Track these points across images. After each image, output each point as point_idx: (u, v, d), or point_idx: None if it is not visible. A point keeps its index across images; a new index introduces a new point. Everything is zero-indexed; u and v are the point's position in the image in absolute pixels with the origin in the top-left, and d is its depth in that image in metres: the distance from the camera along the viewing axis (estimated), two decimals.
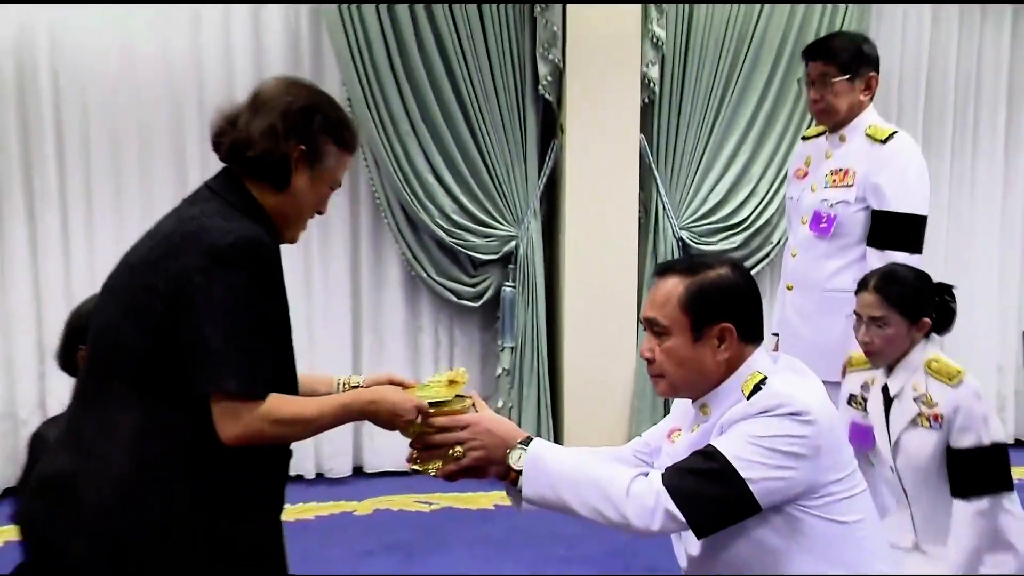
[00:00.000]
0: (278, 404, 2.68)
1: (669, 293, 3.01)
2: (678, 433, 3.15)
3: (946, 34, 7.36)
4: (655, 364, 3.05)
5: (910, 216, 4.54)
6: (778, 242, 6.85)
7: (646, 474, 2.81)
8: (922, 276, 4.11)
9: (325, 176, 2.92)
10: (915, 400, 3.97)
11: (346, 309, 6.83)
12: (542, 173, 6.70)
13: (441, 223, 6.59)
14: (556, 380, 6.88)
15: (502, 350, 6.82)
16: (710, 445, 2.82)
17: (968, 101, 7.44)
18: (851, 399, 4.32)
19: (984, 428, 3.87)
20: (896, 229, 4.57)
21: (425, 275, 6.72)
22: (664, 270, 3.13)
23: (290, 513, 6.13)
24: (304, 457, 6.72)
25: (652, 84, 6.61)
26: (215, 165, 5.99)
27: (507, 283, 6.76)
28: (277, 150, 2.80)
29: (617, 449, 3.47)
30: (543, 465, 2.84)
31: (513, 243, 6.70)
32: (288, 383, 2.87)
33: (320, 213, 3.00)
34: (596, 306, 6.74)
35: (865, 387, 4.21)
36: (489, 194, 6.65)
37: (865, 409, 4.21)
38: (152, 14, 6.40)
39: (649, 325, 3.03)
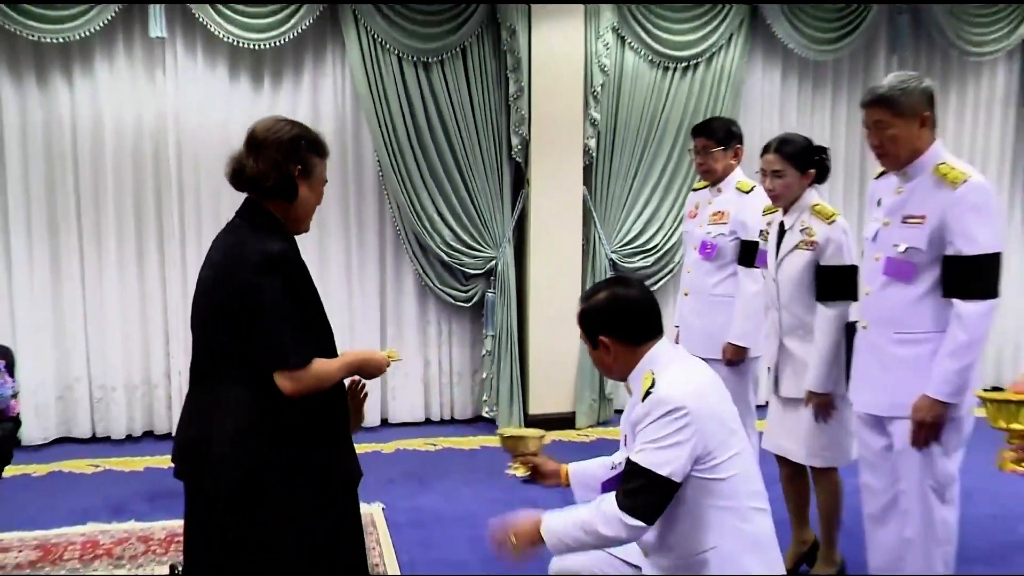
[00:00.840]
0: (316, 366, 2.80)
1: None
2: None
3: (795, 116, 7.49)
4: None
5: (753, 242, 4.67)
6: (678, 262, 7.00)
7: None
8: (807, 140, 4.34)
9: (317, 180, 3.02)
10: (800, 231, 4.20)
11: (376, 308, 7.06)
12: (514, 212, 6.94)
13: (443, 248, 6.83)
14: (524, 358, 7.08)
15: (486, 337, 7.04)
16: (632, 463, 2.89)
17: None
18: (761, 232, 4.54)
19: (847, 254, 4.13)
20: (757, 252, 4.61)
21: (432, 284, 6.95)
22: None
23: None
24: None
25: (591, 151, 6.89)
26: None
27: (489, 290, 6.97)
28: (283, 175, 2.90)
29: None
30: (554, 530, 2.98)
31: (494, 261, 6.92)
32: (328, 346, 2.99)
33: (319, 204, 3.12)
34: (551, 306, 6.92)
35: (770, 224, 4.40)
36: (477, 227, 6.88)
37: (766, 239, 4.43)
38: (241, 99, 6.58)
39: None
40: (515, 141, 6.81)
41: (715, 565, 2.97)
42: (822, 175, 4.38)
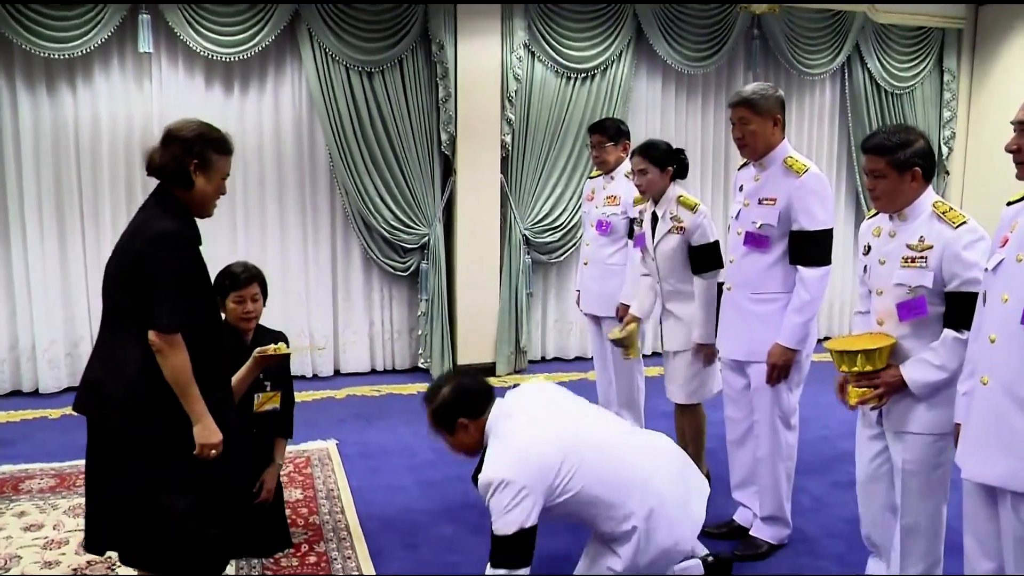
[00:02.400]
0: (176, 344, 2.77)
1: None
2: None
3: (673, 117, 7.58)
4: None
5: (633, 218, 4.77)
6: (579, 237, 6.71)
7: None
8: (667, 144, 4.38)
9: (215, 174, 2.96)
10: (671, 219, 4.29)
11: (328, 277, 6.99)
12: (443, 196, 6.88)
13: (384, 226, 6.76)
14: (452, 317, 7.06)
15: (420, 301, 6.98)
16: (492, 535, 2.98)
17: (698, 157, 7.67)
18: (634, 220, 4.64)
19: (710, 233, 4.25)
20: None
21: (375, 257, 6.90)
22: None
23: (299, 397, 6.43)
24: (305, 363, 6.95)
25: (507, 146, 6.88)
26: (246, 192, 6.46)
27: (423, 261, 6.92)
28: (180, 167, 2.89)
29: None
30: None
31: (427, 237, 6.86)
32: (210, 318, 2.99)
33: (222, 194, 3.04)
34: (475, 274, 6.99)
35: (642, 212, 4.49)
36: (412, 208, 6.81)
37: (641, 225, 4.50)
38: (215, 103, 6.49)
39: None
40: (444, 137, 6.78)
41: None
42: (682, 172, 4.41)
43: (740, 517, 4.16)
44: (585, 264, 5.21)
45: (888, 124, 7.91)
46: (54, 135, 6.28)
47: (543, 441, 3.09)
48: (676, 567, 3.45)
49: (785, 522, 4.02)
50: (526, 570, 2.99)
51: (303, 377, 6.95)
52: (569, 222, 7.20)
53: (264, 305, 4.07)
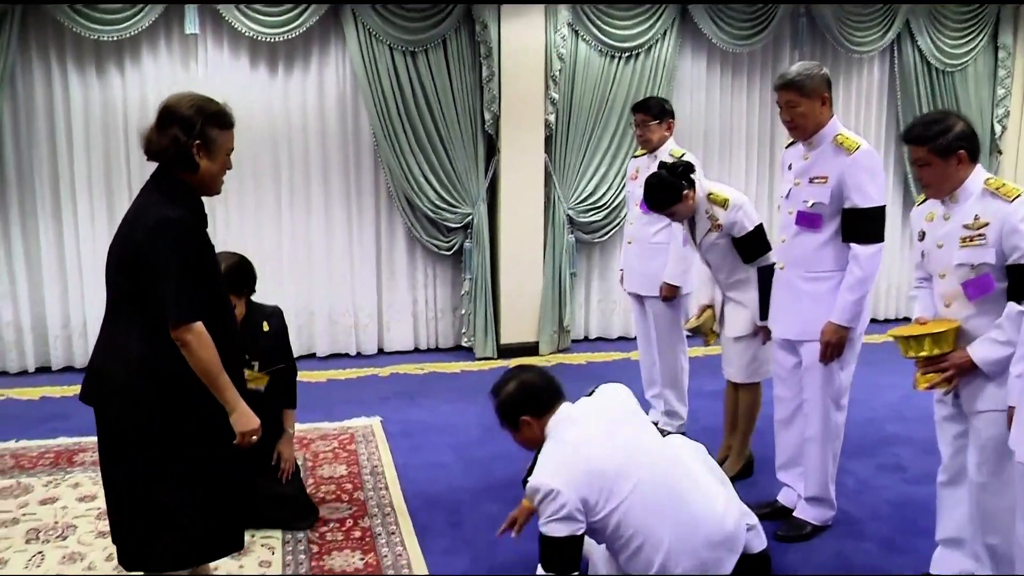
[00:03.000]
0: (196, 333, 2.64)
1: None
2: None
3: (718, 97, 7.49)
4: None
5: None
6: (623, 216, 6.64)
7: None
8: (661, 175, 4.24)
9: (219, 152, 2.80)
10: (707, 217, 4.26)
11: (373, 257, 7.03)
12: (487, 176, 6.87)
13: (428, 206, 6.77)
14: (496, 297, 7.03)
15: (464, 280, 6.99)
16: (541, 535, 2.95)
17: (728, 138, 7.67)
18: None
19: (748, 223, 4.21)
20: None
21: (419, 236, 6.92)
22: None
23: (343, 374, 6.58)
24: (350, 342, 7.02)
25: (551, 125, 6.84)
26: (291, 171, 6.41)
27: (467, 240, 6.92)
28: (182, 150, 2.72)
29: None
30: None
31: (471, 217, 6.87)
32: (216, 301, 2.82)
33: (228, 169, 2.88)
34: (519, 254, 6.97)
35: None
36: (456, 188, 6.82)
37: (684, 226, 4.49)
38: (260, 84, 6.57)
39: None
40: (487, 116, 6.77)
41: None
42: (691, 171, 4.28)
43: (784, 498, 4.13)
44: (629, 243, 5.20)
45: (930, 110, 7.76)
46: (103, 116, 6.37)
47: (596, 459, 3.01)
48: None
49: (830, 503, 3.98)
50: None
51: (347, 355, 7.03)
52: (613, 202, 7.15)
53: (251, 294, 4.02)
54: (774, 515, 4.06)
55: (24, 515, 4.13)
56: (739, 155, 7.68)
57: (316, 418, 5.47)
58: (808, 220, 3.73)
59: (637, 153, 5.25)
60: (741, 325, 4.36)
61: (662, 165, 4.34)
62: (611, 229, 7.25)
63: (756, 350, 4.37)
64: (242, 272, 3.89)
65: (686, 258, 4.83)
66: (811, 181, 3.72)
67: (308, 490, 4.33)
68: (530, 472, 3.09)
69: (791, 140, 3.95)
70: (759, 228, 4.27)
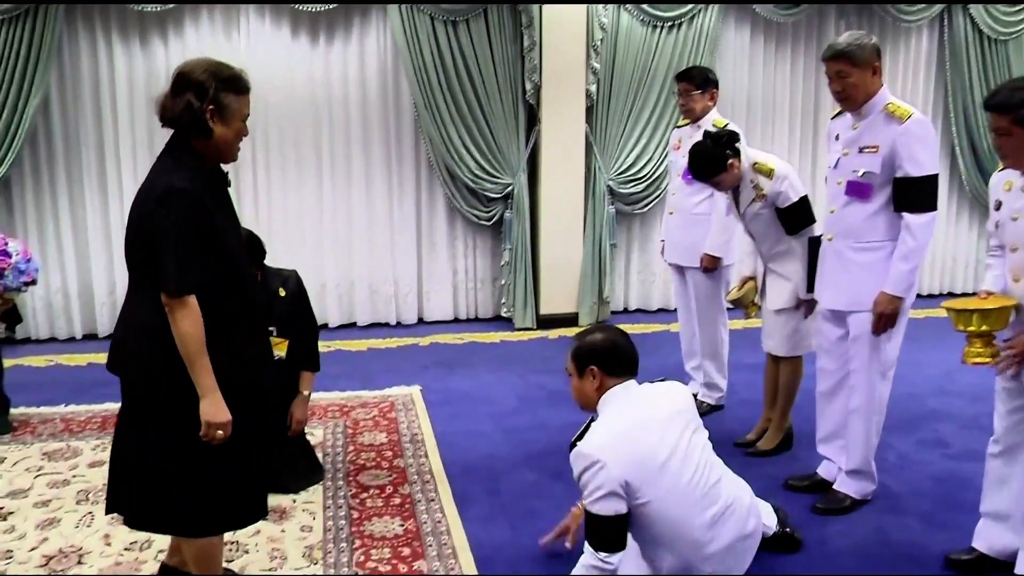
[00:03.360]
0: (188, 309, 2.60)
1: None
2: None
3: (761, 67, 7.41)
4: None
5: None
6: (664, 187, 6.77)
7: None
8: (706, 145, 4.21)
9: (234, 117, 2.74)
10: (752, 187, 4.21)
11: (413, 227, 7.06)
12: (528, 146, 6.84)
13: (468, 176, 6.78)
14: (536, 267, 7.01)
15: (504, 250, 7.00)
16: (587, 512, 2.92)
17: (771, 108, 7.57)
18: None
19: (793, 193, 4.15)
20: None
21: (459, 206, 6.94)
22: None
23: (383, 344, 6.64)
24: (389, 313, 7.07)
25: (592, 95, 6.78)
26: (331, 141, 6.36)
27: (507, 211, 6.92)
28: (195, 116, 2.68)
29: None
30: None
31: (511, 187, 6.86)
32: (229, 272, 2.75)
33: (244, 136, 2.82)
34: (559, 225, 6.94)
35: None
36: (497, 158, 6.81)
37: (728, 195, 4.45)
38: (301, 54, 6.61)
39: None
40: (528, 86, 6.74)
41: None
42: (735, 140, 4.24)
43: (824, 471, 4.10)
44: (670, 213, 5.17)
45: (981, 81, 7.64)
46: (147, 86, 6.43)
47: (645, 445, 2.96)
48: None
49: (871, 477, 3.95)
50: (620, 555, 2.93)
51: (387, 325, 7.08)
52: (654, 173, 7.10)
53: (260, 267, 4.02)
54: (813, 488, 4.05)
55: (74, 477, 4.22)
56: (782, 126, 7.59)
57: (356, 386, 5.53)
58: (858, 190, 3.67)
59: (680, 123, 5.21)
60: (783, 298, 4.32)
61: (707, 134, 4.29)
62: (651, 200, 7.21)
63: (798, 323, 4.33)
64: (250, 246, 3.84)
65: (728, 229, 4.79)
66: (861, 151, 3.66)
67: (348, 456, 4.40)
68: (580, 437, 3.07)
69: (837, 110, 3.88)
70: (804, 199, 4.22)
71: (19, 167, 6.43)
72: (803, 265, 4.19)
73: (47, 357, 6.25)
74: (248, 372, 2.82)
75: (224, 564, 3.36)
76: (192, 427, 2.69)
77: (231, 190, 2.89)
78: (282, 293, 4.05)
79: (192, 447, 2.72)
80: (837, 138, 3.84)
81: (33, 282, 4.76)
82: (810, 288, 4.13)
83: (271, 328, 3.94)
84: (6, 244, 4.62)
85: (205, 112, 2.69)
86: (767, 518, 3.49)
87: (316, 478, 4.16)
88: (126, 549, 3.53)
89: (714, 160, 4.19)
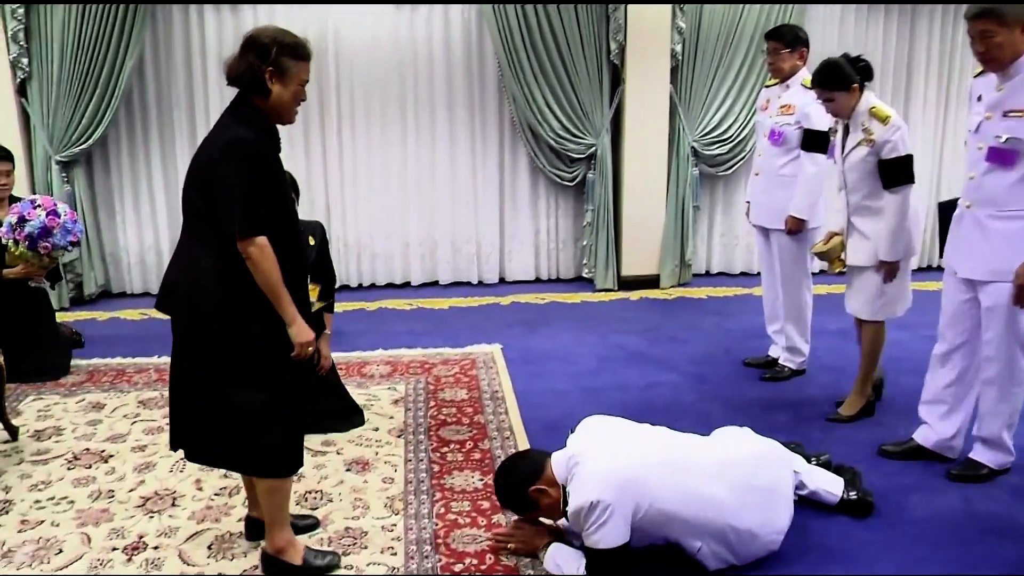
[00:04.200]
0: (259, 244, 2.73)
1: None
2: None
3: (852, 26, 7.18)
4: None
5: (826, 132, 4.60)
6: (749, 150, 6.83)
7: None
8: (839, 61, 4.19)
9: (292, 80, 2.89)
10: (862, 130, 4.13)
11: (496, 186, 7.10)
12: (611, 106, 6.79)
13: (552, 136, 6.75)
14: (618, 228, 7.00)
15: (586, 211, 7.00)
16: (589, 550, 2.95)
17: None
18: (830, 129, 4.50)
19: (902, 147, 4.06)
20: (817, 139, 4.65)
21: (542, 166, 6.93)
22: None
23: (465, 302, 6.70)
24: (471, 271, 7.14)
25: (677, 55, 6.71)
26: (416, 101, 7.09)
27: (590, 171, 6.88)
28: (256, 75, 2.84)
29: None
30: (553, 555, 3.09)
31: (594, 147, 6.82)
32: (284, 222, 2.89)
33: (303, 100, 2.98)
34: (642, 186, 6.90)
35: (837, 122, 4.33)
36: (580, 118, 6.76)
37: (835, 134, 4.39)
38: (386, 16, 6.64)
39: None
40: (613, 46, 6.68)
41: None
42: (867, 76, 4.18)
43: (920, 436, 4.00)
44: (756, 175, 5.10)
45: None
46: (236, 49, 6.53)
47: (622, 459, 3.01)
48: (812, 485, 3.49)
49: (1007, 449, 3.81)
50: None
51: (469, 284, 7.15)
52: (739, 134, 7.00)
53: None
54: (908, 454, 3.97)
55: (167, 425, 4.34)
56: (872, 88, 7.33)
57: (439, 343, 5.61)
58: (1000, 156, 3.49)
59: (769, 83, 5.12)
60: (858, 255, 4.26)
61: (846, 55, 4.23)
62: (736, 162, 7.11)
63: (880, 286, 4.24)
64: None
65: (814, 191, 4.72)
66: (1005, 115, 3.47)
67: (430, 412, 4.49)
68: (566, 503, 3.09)
69: (979, 69, 3.68)
70: (910, 157, 4.10)
71: (115, 127, 6.65)
72: (891, 224, 4.09)
73: (141, 311, 6.45)
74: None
75: (306, 511, 3.53)
76: (255, 350, 2.87)
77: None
78: (312, 242, 4.22)
79: (254, 369, 2.89)
80: (980, 99, 3.66)
81: (77, 243, 5.02)
82: (940, 255, 3.99)
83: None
84: (55, 206, 4.85)
85: (265, 72, 2.85)
86: (830, 485, 3.51)
87: (358, 421, 4.33)
88: (216, 495, 3.67)
89: (841, 75, 4.14)
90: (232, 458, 3.06)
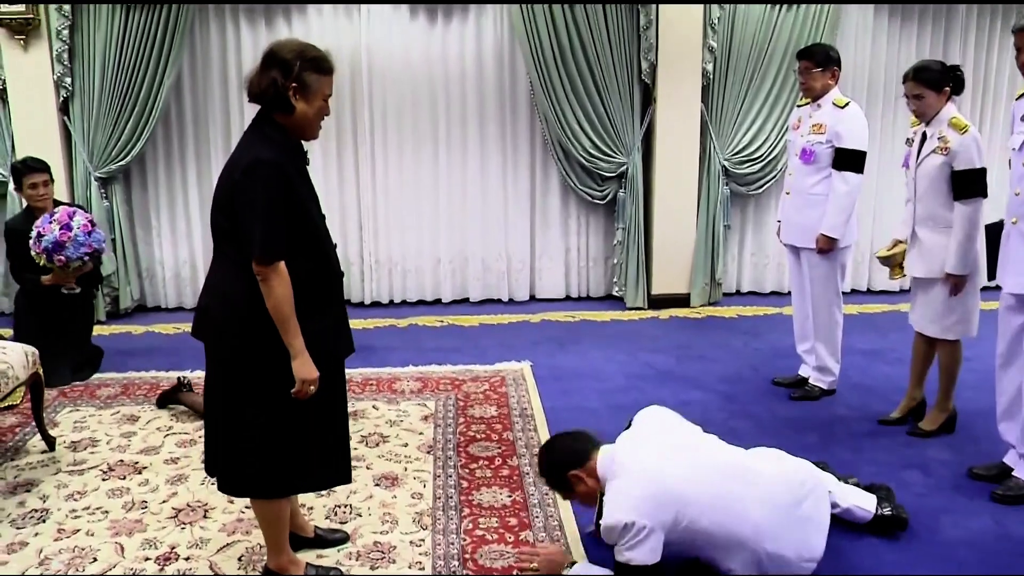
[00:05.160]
0: (278, 274, 2.69)
1: None
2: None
3: (884, 46, 7.12)
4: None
5: (857, 151, 4.65)
6: (780, 168, 6.79)
7: None
8: (939, 62, 4.28)
9: (316, 96, 2.83)
10: (938, 139, 4.14)
11: (527, 204, 7.09)
12: (643, 125, 6.77)
13: (583, 154, 6.75)
14: (648, 247, 6.96)
15: (617, 229, 6.96)
16: (620, 565, 2.91)
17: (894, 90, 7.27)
18: (907, 141, 4.45)
19: (976, 159, 4.08)
20: (848, 158, 4.65)
21: (573, 185, 6.93)
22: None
23: (495, 320, 6.71)
24: (501, 289, 7.14)
25: (708, 74, 6.67)
26: (448, 119, 6.96)
27: (621, 190, 6.86)
28: (280, 92, 2.78)
29: None
30: None
31: (625, 166, 6.80)
32: (314, 242, 2.86)
33: (326, 115, 2.92)
34: (673, 205, 6.87)
35: (915, 132, 4.34)
36: (612, 137, 6.75)
37: (910, 145, 4.38)
38: (419, 33, 6.70)
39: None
40: (644, 65, 6.68)
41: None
42: (958, 88, 4.23)
43: (1011, 459, 3.92)
44: (787, 194, 5.07)
45: None
46: None
47: (663, 474, 2.99)
48: (846, 503, 3.44)
49: None
50: None
51: (499, 301, 7.16)
52: (770, 154, 6.97)
53: None
54: (1000, 477, 3.89)
55: (200, 437, 4.38)
56: (903, 110, 7.22)
57: (468, 360, 5.63)
58: None
59: (801, 102, 5.09)
60: (921, 267, 4.27)
61: (941, 63, 4.28)
62: (767, 182, 7.07)
63: (954, 303, 4.21)
64: None
65: (845, 209, 4.69)
66: None
67: (459, 428, 4.50)
68: (599, 515, 3.07)
69: (1021, 92, 3.70)
70: (983, 170, 4.11)
71: (153, 144, 6.75)
72: (959, 237, 4.08)
73: (175, 325, 6.53)
74: (326, 337, 2.91)
75: (336, 525, 3.55)
76: (268, 391, 2.83)
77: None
78: None
79: (267, 409, 2.85)
80: (1023, 119, 3.66)
81: (95, 252, 5.05)
82: (991, 275, 3.98)
83: None
84: (70, 219, 4.93)
85: (288, 88, 2.79)
86: (863, 502, 3.48)
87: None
88: (247, 507, 3.67)
89: (938, 76, 4.18)
90: (220, 474, 3.04)
